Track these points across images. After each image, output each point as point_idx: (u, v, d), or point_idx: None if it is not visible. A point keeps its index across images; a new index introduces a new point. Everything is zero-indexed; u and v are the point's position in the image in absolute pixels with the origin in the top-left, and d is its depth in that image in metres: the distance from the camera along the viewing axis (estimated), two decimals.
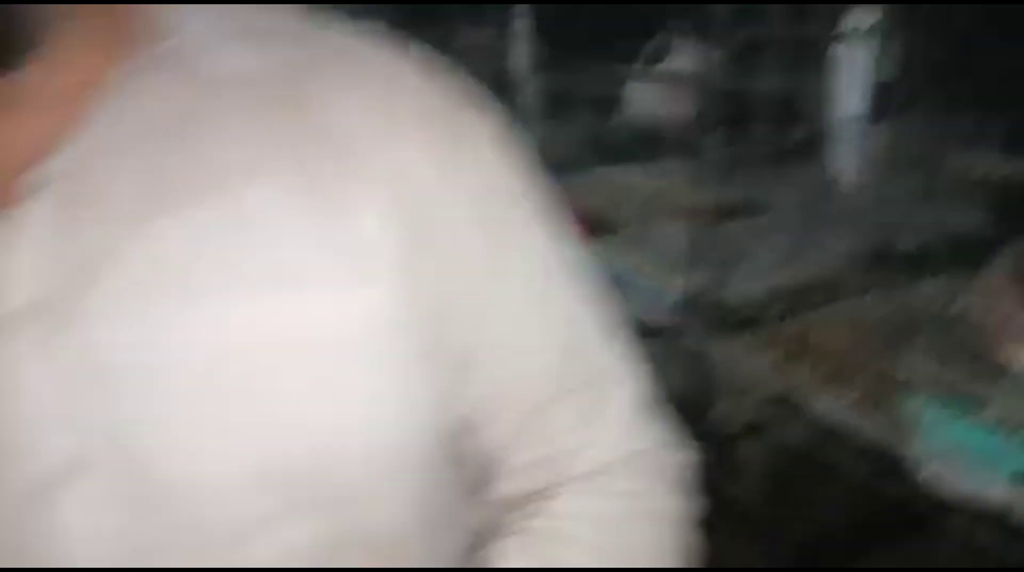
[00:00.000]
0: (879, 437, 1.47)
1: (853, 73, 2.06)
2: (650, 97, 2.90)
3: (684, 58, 2.74)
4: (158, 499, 0.46)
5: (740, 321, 1.82)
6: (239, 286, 0.46)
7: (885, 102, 2.09)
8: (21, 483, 0.44)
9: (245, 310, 0.46)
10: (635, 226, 2.24)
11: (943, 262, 1.89)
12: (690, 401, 1.53)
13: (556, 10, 2.91)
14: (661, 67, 2.88)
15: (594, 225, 2.12)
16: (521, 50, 2.91)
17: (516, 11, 2.92)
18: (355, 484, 0.50)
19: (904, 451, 1.40)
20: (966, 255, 1.78)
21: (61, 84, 0.44)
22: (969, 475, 1.32)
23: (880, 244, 2.04)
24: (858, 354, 1.65)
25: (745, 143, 2.17)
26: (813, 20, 2.13)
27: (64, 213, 0.42)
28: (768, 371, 1.68)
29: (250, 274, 0.46)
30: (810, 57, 2.17)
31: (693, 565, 0.60)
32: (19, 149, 0.43)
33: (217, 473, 0.46)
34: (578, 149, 2.81)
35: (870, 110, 2.10)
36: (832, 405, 1.56)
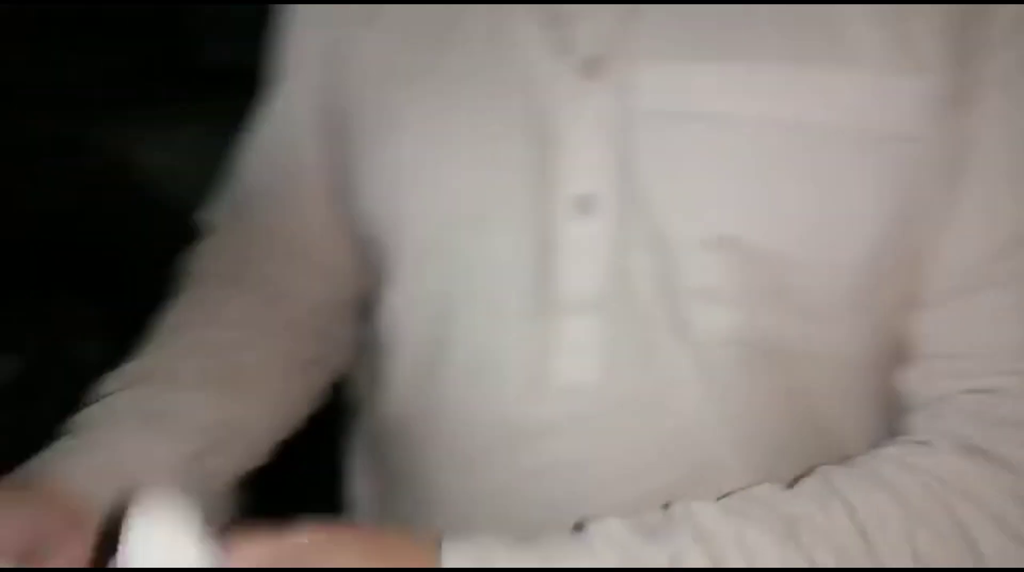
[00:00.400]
0: None
1: None
2: None
3: None
4: (643, 246, 0.52)
5: None
6: (774, 52, 0.50)
7: None
8: (544, 210, 0.53)
9: (774, 78, 0.50)
10: None
11: None
12: None
13: None
14: None
15: None
16: None
17: None
18: (814, 291, 0.51)
19: None
20: None
21: None
22: None
23: None
24: None
25: None
26: None
27: None
28: None
29: (791, 42, 0.49)
30: None
31: None
32: None
33: (697, 232, 0.51)
34: None
35: None
36: None
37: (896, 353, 0.53)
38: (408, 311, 0.60)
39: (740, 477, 0.52)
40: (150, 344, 0.66)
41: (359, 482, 0.70)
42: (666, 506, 0.47)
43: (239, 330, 0.68)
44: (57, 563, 0.53)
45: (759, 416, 0.53)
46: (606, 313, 0.53)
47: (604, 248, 0.53)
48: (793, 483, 0.48)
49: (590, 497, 0.53)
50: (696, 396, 0.53)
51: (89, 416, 0.60)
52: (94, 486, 0.55)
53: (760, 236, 0.50)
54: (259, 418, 0.66)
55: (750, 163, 0.50)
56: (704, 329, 0.52)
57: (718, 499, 0.47)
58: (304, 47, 0.66)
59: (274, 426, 0.68)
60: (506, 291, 0.55)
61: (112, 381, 0.62)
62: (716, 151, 0.51)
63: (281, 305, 0.70)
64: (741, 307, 0.52)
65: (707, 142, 0.51)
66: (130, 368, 0.64)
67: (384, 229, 0.60)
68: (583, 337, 0.53)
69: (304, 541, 0.43)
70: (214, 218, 0.74)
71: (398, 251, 0.59)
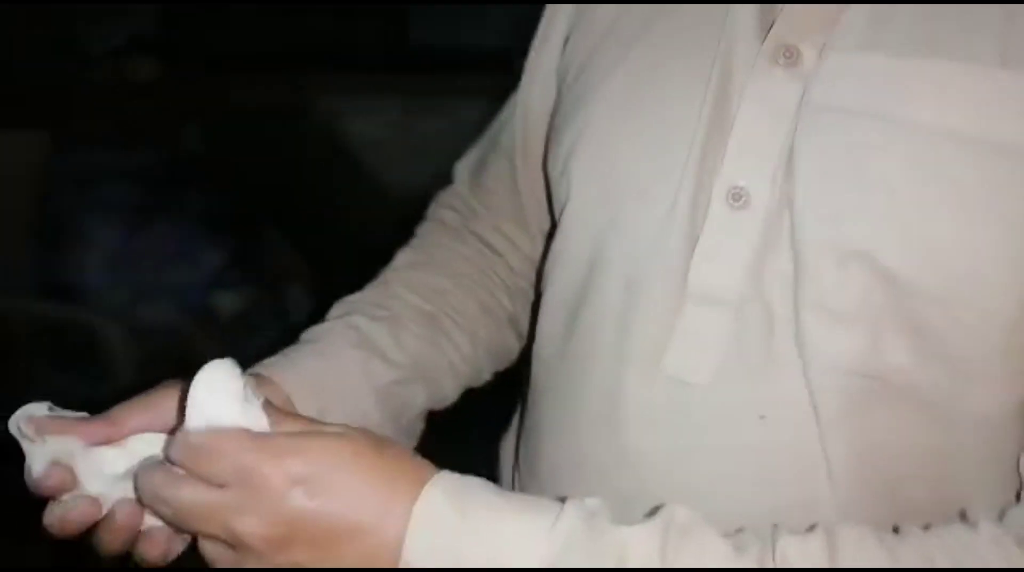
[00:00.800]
0: None
1: None
2: None
3: None
4: (783, 249, 0.49)
5: None
6: (977, 54, 0.45)
7: None
8: (699, 196, 0.52)
9: (968, 81, 0.45)
10: None
11: None
12: None
13: None
14: None
15: None
16: None
17: None
18: (958, 335, 0.46)
19: None
20: None
21: None
22: None
23: None
24: None
25: None
26: None
27: None
28: None
29: (1001, 45, 0.45)
30: None
31: None
32: None
33: (832, 242, 0.47)
34: None
35: None
36: None
37: None
38: (558, 275, 0.62)
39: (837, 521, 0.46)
40: (377, 279, 0.71)
41: (507, 438, 0.74)
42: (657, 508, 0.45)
43: (453, 279, 0.71)
44: None
45: (871, 463, 0.48)
46: (733, 312, 0.51)
47: (746, 245, 0.51)
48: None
49: (672, 493, 0.50)
50: (803, 422, 0.49)
51: (313, 332, 0.66)
52: (300, 388, 0.60)
53: (900, 260, 0.46)
54: (457, 362, 0.70)
55: (911, 174, 0.46)
56: (824, 351, 0.48)
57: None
58: (556, 17, 0.68)
59: (468, 373, 0.71)
60: (643, 269, 0.54)
61: (338, 307, 0.68)
62: (877, 155, 0.47)
63: (495, 261, 0.75)
64: (868, 336, 0.47)
65: (870, 144, 0.47)
66: (354, 297, 0.69)
67: (559, 191, 0.61)
68: (705, 331, 0.52)
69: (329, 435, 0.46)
70: (461, 170, 0.78)
71: (564, 215, 0.61)
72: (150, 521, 0.52)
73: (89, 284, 1.92)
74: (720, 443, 0.52)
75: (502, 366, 0.76)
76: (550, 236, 0.66)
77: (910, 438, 0.48)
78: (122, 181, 1.98)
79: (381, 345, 0.65)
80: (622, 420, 0.55)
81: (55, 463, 0.52)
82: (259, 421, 0.47)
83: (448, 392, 0.70)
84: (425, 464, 0.47)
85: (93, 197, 1.95)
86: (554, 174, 0.63)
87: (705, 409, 0.52)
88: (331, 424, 0.49)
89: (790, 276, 0.49)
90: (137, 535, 0.52)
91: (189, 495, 0.45)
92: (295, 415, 0.50)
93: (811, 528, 0.43)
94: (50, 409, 0.54)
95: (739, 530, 0.44)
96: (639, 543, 0.43)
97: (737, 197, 0.51)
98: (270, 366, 0.62)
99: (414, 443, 0.68)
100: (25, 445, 0.53)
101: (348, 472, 0.44)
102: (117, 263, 1.94)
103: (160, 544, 0.52)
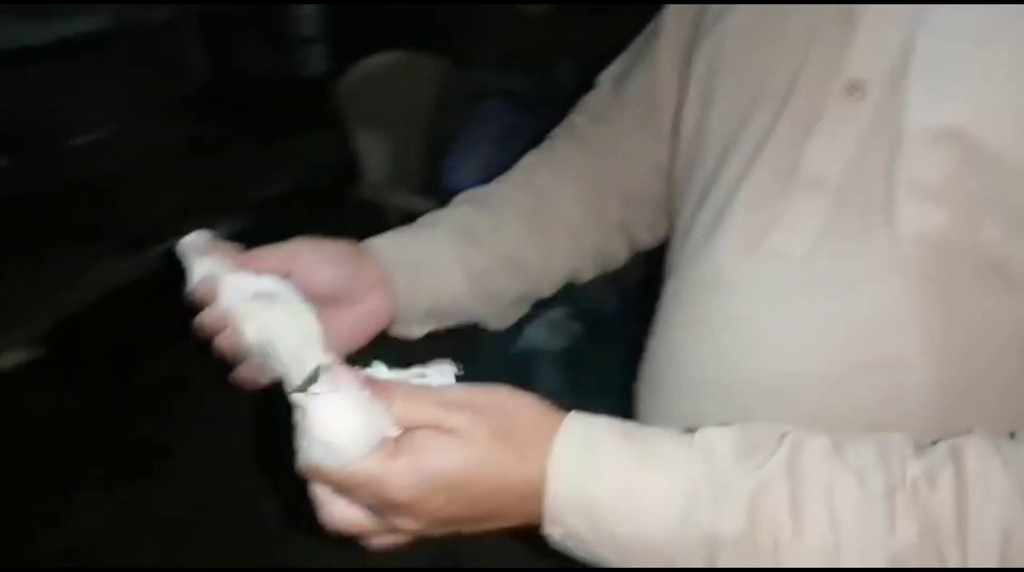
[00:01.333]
0: None
1: None
2: None
3: None
4: (887, 134, 0.53)
5: None
6: None
7: None
8: (819, 91, 0.57)
9: None
10: None
11: None
12: None
13: None
14: None
15: None
16: None
17: None
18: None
19: None
20: None
21: None
22: None
23: None
24: None
25: None
26: None
27: None
28: None
29: None
30: None
31: None
32: None
33: (929, 121, 0.52)
34: None
35: None
36: None
37: None
38: (691, 169, 0.67)
39: (924, 383, 0.52)
40: (500, 177, 0.78)
41: None
42: (785, 434, 0.46)
43: (567, 182, 0.77)
44: (357, 310, 0.65)
45: (956, 330, 0.52)
46: (835, 194, 0.55)
47: (856, 133, 0.55)
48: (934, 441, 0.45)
49: (770, 353, 0.57)
50: (893, 291, 0.53)
51: (424, 218, 0.73)
52: (397, 267, 0.67)
53: (992, 136, 0.49)
54: (553, 259, 0.75)
55: (1010, 58, 0.50)
56: (911, 223, 0.52)
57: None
58: None
59: (564, 270, 0.77)
60: (759, 158, 0.59)
61: (458, 197, 0.76)
62: (980, 42, 0.50)
63: (617, 168, 0.78)
64: (955, 209, 0.51)
65: (976, 33, 0.51)
66: (474, 190, 0.77)
67: (699, 100, 0.67)
68: (807, 211, 0.56)
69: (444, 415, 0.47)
70: (604, 79, 0.82)
71: (700, 123, 0.66)
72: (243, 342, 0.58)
73: (462, 187, 2.18)
74: (812, 309, 0.56)
75: (607, 269, 0.82)
76: (684, 151, 0.70)
77: (993, 309, 0.51)
78: (501, 102, 2.22)
79: (480, 235, 0.71)
80: (722, 289, 0.60)
81: (204, 279, 0.60)
82: (381, 423, 0.47)
83: (543, 286, 0.77)
84: (549, 415, 0.49)
85: (477, 113, 2.21)
86: (695, 85, 0.67)
87: (799, 279, 0.56)
88: (447, 399, 0.48)
89: (890, 158, 0.53)
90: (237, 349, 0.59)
91: (342, 516, 0.48)
92: (404, 391, 0.49)
93: (933, 453, 0.45)
94: (211, 237, 0.62)
95: (868, 440, 0.46)
96: (771, 493, 0.45)
97: (854, 89, 0.55)
98: (376, 243, 0.69)
99: (508, 324, 0.77)
100: (187, 263, 0.61)
101: (479, 475, 0.46)
102: (486, 172, 2.18)
103: (247, 370, 0.61)
